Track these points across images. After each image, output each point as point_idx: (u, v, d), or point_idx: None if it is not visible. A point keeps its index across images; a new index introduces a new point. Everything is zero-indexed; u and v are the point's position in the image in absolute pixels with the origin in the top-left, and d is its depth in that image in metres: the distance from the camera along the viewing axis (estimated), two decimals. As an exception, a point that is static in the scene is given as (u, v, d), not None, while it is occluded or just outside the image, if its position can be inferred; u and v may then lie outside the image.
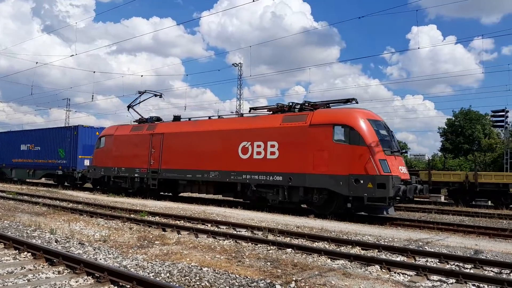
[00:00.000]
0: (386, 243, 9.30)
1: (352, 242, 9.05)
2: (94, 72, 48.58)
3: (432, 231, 11.19)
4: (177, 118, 20.12)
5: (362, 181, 12.64)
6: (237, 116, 18.24)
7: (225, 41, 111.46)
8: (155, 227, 11.02)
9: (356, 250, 8.61)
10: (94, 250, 7.80)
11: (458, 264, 7.57)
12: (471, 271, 7.13)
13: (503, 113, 29.27)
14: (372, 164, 12.58)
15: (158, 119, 21.22)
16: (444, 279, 6.55)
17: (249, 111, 17.46)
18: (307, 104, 15.42)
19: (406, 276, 6.76)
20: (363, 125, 13.32)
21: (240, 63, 43.68)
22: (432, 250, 8.60)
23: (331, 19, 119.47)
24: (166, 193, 20.54)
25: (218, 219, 12.67)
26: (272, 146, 14.92)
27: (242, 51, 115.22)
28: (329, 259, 7.67)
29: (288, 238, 9.70)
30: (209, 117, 18.42)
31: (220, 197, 19.62)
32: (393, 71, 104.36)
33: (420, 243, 9.33)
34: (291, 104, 15.80)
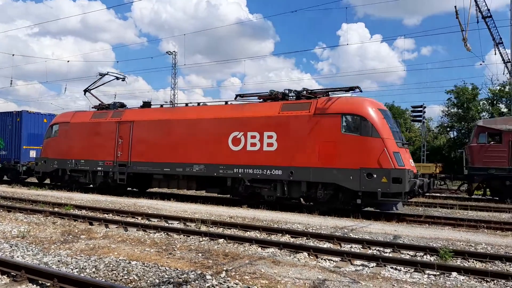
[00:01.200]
0: (314, 230, 9.69)
1: (282, 230, 9.31)
2: (13, 55, 44.64)
3: (356, 219, 11.85)
4: (147, 105, 17.92)
5: (375, 175, 11.81)
6: (224, 103, 15.70)
7: (158, 28, 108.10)
8: (81, 221, 10.49)
9: (286, 238, 8.88)
10: (11, 247, 7.25)
11: (379, 249, 8.11)
12: (390, 255, 7.68)
13: (421, 109, 31.69)
14: (386, 157, 11.77)
15: (123, 105, 18.90)
16: (366, 263, 6.99)
17: (235, 98, 15.60)
18: (305, 92, 14.20)
19: (332, 262, 7.11)
20: (375, 115, 12.40)
21: (174, 51, 42.72)
22: (356, 236, 9.12)
23: (266, 12, 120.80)
24: (134, 189, 18.66)
25: (149, 211, 12.37)
26: (270, 137, 13.53)
27: (176, 40, 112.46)
28: (260, 248, 7.84)
29: (221, 229, 9.74)
30: (186, 104, 16.64)
31: (191, 192, 19.14)
32: (324, 66, 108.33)
33: (346, 230, 9.84)
34: (286, 91, 14.42)
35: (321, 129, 12.76)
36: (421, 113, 31.59)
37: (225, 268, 5.99)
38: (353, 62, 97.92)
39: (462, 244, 8.55)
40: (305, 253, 7.41)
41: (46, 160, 19.43)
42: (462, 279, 6.15)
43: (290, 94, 14.35)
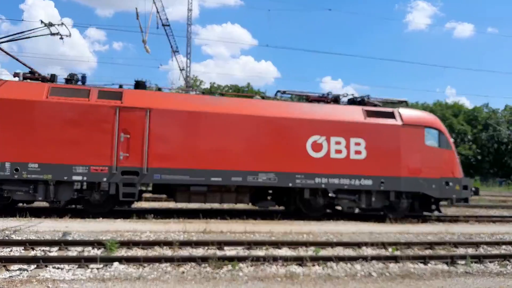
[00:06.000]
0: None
1: None
2: None
3: (24, 218, 10.71)
4: (141, 85, 12.75)
5: (451, 184, 13.50)
6: (292, 100, 14.12)
7: None
8: None
9: None
10: None
11: (45, 248, 7.64)
12: (56, 254, 7.38)
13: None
14: (458, 168, 13.74)
15: (84, 77, 12.37)
16: (25, 266, 6.46)
17: (275, 94, 14.35)
18: (366, 100, 14.29)
19: (-20, 271, 6.14)
20: (446, 130, 14.15)
21: None
22: (20, 238, 8.26)
23: None
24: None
25: None
26: (357, 144, 13.01)
27: None
28: None
29: None
30: (235, 95, 12.19)
31: None
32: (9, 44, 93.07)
33: (8, 232, 8.76)
34: (339, 95, 14.23)
35: (408, 139, 13.47)
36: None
37: None
38: (40, 43, 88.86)
39: (130, 234, 9.20)
40: None
41: None
42: (122, 268, 6.61)
43: (338, 98, 14.28)
